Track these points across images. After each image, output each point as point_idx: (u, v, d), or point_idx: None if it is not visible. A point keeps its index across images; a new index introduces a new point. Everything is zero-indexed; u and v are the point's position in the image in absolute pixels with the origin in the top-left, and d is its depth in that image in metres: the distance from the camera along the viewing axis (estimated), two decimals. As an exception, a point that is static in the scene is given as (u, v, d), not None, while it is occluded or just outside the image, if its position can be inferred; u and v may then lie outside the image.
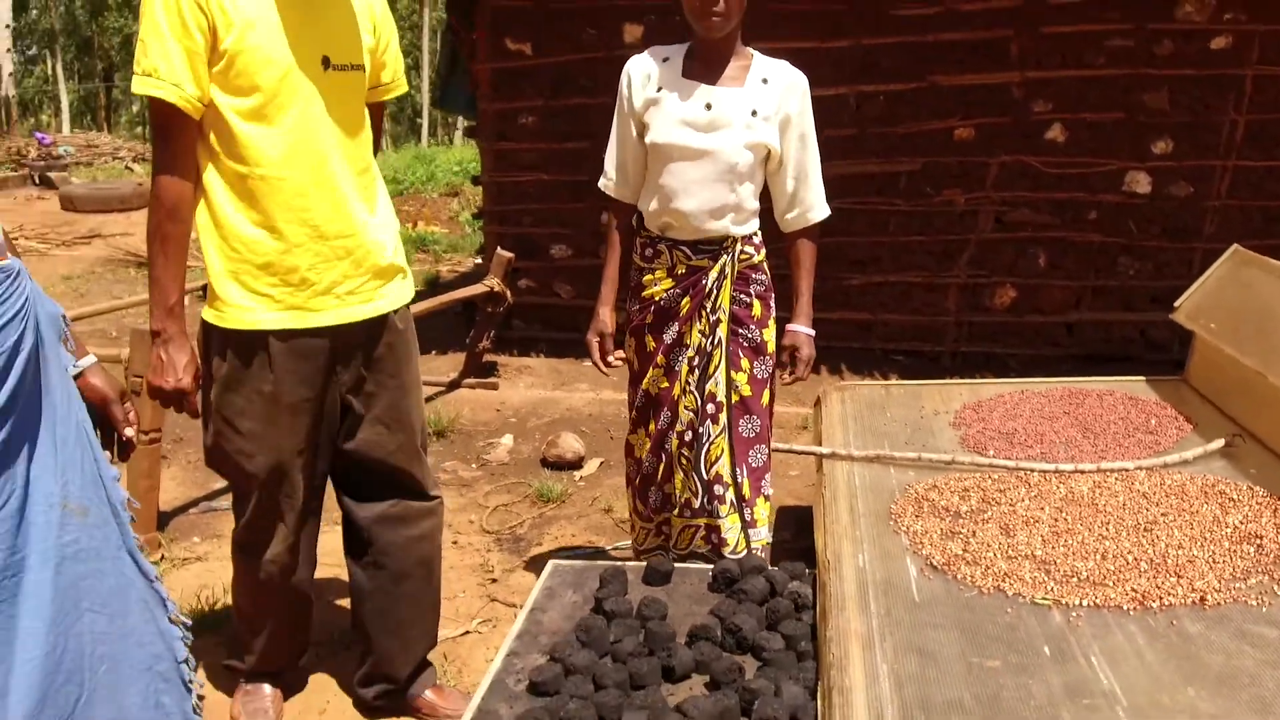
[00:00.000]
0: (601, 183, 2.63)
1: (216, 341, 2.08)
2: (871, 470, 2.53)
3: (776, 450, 2.73)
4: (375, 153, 2.21)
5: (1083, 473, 2.42)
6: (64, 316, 1.55)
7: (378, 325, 2.15)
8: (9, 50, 21.91)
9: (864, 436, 2.80)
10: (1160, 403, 2.90)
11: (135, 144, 19.09)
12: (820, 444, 2.78)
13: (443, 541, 2.44)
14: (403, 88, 2.28)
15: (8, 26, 21.76)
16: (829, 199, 2.59)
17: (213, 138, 1.96)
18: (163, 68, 1.86)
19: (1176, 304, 3.10)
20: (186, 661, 1.66)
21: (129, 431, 1.64)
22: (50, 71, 33.20)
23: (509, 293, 5.08)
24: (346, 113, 2.06)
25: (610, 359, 2.63)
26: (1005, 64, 5.23)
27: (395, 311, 2.19)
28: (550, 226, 5.86)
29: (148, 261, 2.00)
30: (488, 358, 5.32)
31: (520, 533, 3.51)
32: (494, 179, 5.87)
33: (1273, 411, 2.52)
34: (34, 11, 32.62)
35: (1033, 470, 2.44)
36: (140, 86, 1.89)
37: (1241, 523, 2.11)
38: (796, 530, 3.29)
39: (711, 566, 2.13)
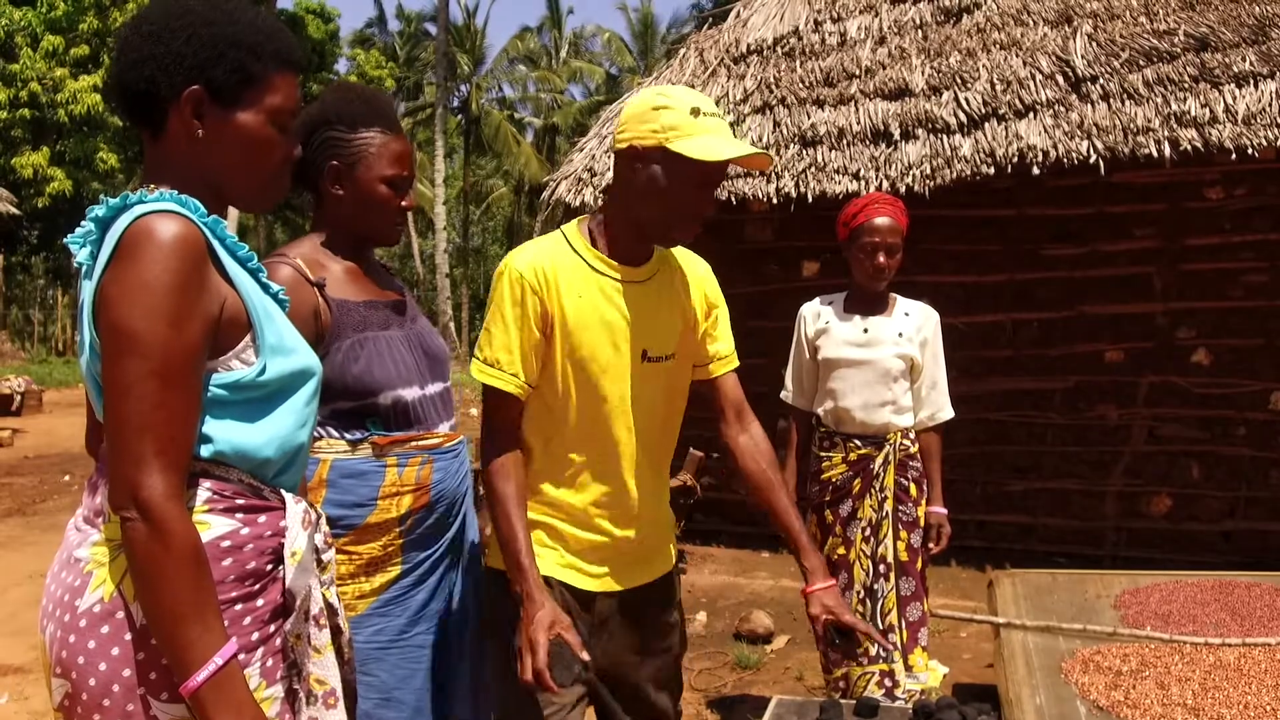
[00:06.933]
0: (783, 394, 3.42)
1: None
2: (1043, 638, 3.04)
3: (955, 618, 3.29)
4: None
5: (1230, 645, 2.86)
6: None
7: None
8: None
9: (1033, 614, 3.30)
10: (1304, 594, 3.30)
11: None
12: (996, 616, 3.30)
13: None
14: (734, 362, 2.29)
15: None
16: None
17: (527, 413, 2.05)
18: (504, 359, 1.96)
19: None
20: None
21: None
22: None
23: (698, 487, 5.80)
24: (656, 398, 2.10)
25: None
26: (1149, 296, 5.84)
27: None
28: (732, 431, 6.61)
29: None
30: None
31: (725, 692, 4.06)
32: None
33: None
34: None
35: (1185, 642, 2.90)
36: (481, 375, 1.99)
37: (1370, 687, 2.53)
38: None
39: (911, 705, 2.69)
